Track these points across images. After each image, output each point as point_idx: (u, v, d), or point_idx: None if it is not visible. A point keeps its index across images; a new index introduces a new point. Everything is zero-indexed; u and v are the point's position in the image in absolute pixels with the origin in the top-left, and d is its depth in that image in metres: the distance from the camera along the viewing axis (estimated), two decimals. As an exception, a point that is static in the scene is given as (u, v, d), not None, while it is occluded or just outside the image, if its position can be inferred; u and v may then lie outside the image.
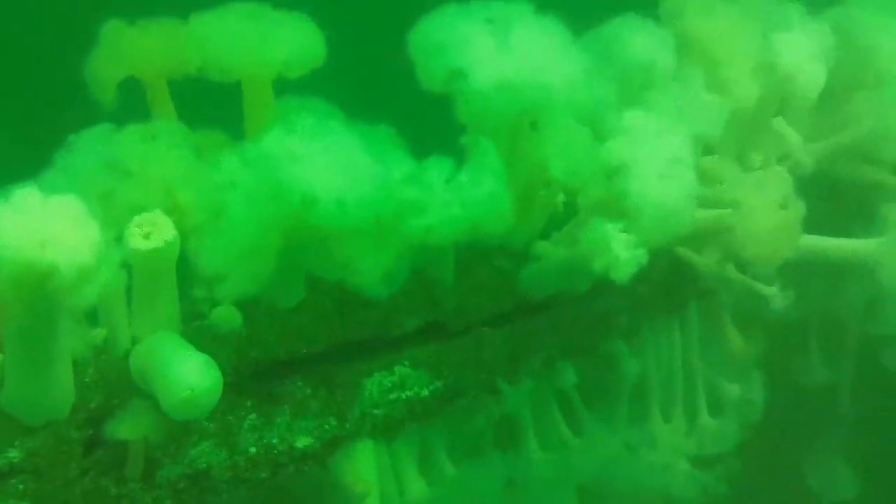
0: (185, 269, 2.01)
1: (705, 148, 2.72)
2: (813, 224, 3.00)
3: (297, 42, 2.21)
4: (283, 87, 2.34)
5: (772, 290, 2.77)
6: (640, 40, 2.49)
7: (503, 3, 2.19)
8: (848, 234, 2.97)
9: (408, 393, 2.14)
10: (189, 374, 1.78)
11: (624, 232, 2.11)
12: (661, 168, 2.16)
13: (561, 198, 2.46)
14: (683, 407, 2.81)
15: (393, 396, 2.13)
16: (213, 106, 2.29)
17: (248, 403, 2.01)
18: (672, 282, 2.62)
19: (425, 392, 2.17)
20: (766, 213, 2.36)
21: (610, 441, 2.65)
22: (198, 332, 2.02)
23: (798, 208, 2.40)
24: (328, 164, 1.90)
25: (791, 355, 3.36)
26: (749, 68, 2.65)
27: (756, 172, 2.57)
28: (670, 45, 2.53)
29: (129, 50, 2.31)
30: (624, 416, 2.69)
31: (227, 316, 2.05)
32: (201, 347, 1.94)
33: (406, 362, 2.16)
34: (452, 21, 2.14)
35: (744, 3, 2.78)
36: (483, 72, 2.07)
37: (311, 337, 2.10)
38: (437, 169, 2.06)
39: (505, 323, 2.32)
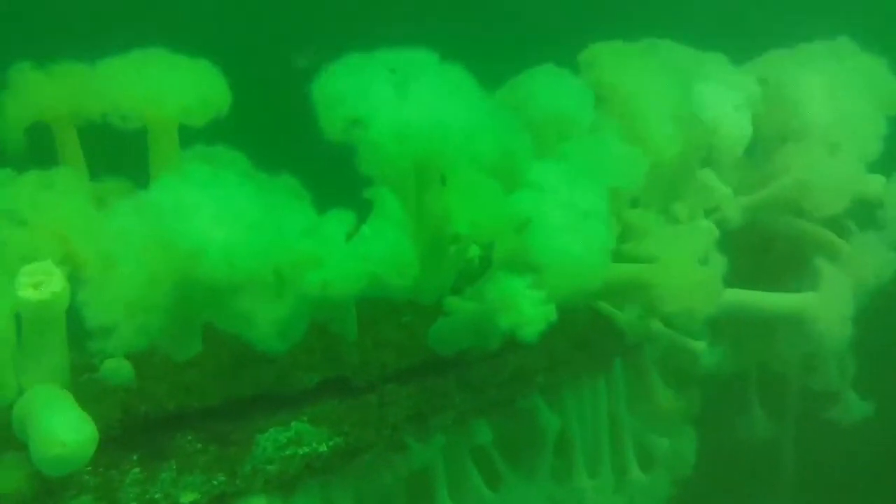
0: (80, 320, 2.01)
1: (632, 201, 2.76)
2: (745, 275, 3.04)
3: (198, 89, 2.22)
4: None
5: (700, 345, 2.77)
6: (555, 91, 2.51)
7: (407, 53, 2.19)
8: (781, 285, 2.99)
9: (305, 449, 2.10)
10: (61, 430, 1.75)
11: (532, 288, 2.08)
12: (569, 222, 2.14)
13: (476, 251, 2.47)
14: (611, 462, 2.78)
15: (288, 452, 2.09)
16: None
17: (134, 457, 1.97)
18: (594, 337, 2.60)
19: (324, 448, 2.12)
20: (684, 268, 2.35)
21: (532, 497, 2.61)
22: (87, 384, 1.99)
23: (719, 263, 2.41)
24: (218, 216, 1.88)
25: (732, 410, 3.36)
26: (669, 120, 2.65)
27: (676, 227, 2.58)
28: (588, 96, 2.54)
29: (36, 94, 2.31)
30: (546, 471, 2.65)
31: (117, 369, 2.02)
32: (89, 400, 1.92)
33: (304, 418, 2.12)
34: (354, 70, 2.15)
35: (664, 54, 2.82)
36: (380, 121, 2.07)
37: (204, 391, 2.07)
38: (337, 221, 2.03)
39: (412, 379, 2.28)
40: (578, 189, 2.23)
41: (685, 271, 2.34)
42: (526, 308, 2.05)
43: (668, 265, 2.35)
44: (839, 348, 2.89)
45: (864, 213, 3.13)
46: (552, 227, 2.13)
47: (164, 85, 2.17)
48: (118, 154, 2.39)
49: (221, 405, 2.09)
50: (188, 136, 2.35)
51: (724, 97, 2.77)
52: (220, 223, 1.88)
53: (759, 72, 3.06)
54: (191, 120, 2.21)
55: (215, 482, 2.01)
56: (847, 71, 3.07)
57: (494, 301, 2.08)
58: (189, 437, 2.03)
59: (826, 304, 2.71)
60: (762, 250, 3.14)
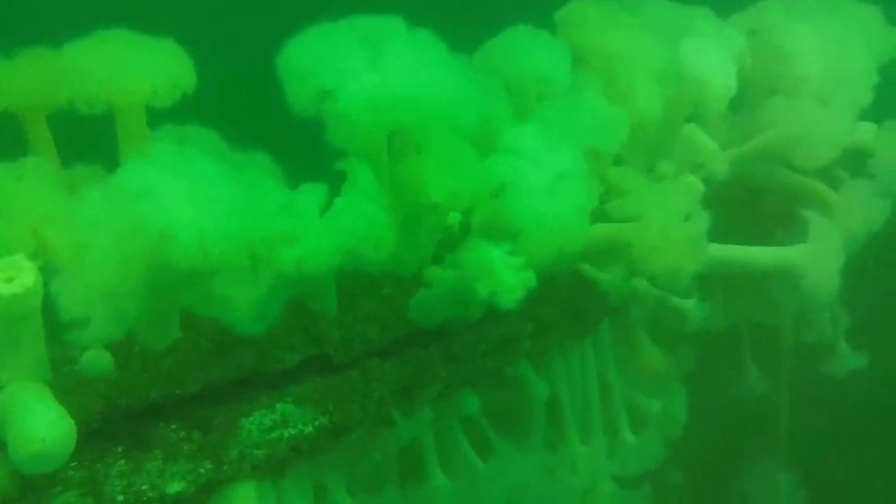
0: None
1: (615, 159, 2.74)
2: (737, 229, 3.05)
3: (164, 70, 2.18)
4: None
5: (688, 303, 2.77)
6: (533, 52, 2.48)
7: (376, 21, 2.16)
8: (774, 237, 2.99)
9: (291, 431, 2.10)
10: (39, 427, 1.76)
11: (510, 254, 2.08)
12: (546, 184, 2.13)
13: (456, 217, 2.45)
14: (603, 427, 2.79)
15: (274, 435, 2.08)
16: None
17: (119, 449, 1.96)
18: (579, 300, 2.60)
19: (310, 429, 2.12)
20: (666, 227, 2.33)
21: (524, 465, 2.62)
22: (67, 377, 1.98)
23: (702, 220, 2.38)
24: (187, 198, 1.85)
25: (726, 366, 3.37)
26: (652, 77, 2.63)
27: (658, 185, 2.56)
28: (565, 56, 2.51)
29: (2, 83, 2.26)
30: (539, 439, 2.67)
31: (96, 360, 2.01)
32: (70, 393, 1.93)
33: (289, 399, 2.12)
34: (321, 40, 2.11)
35: (646, 9, 2.79)
36: (351, 92, 2.04)
37: (185, 379, 2.06)
38: (309, 196, 2.01)
39: (395, 353, 2.28)
40: (555, 151, 2.22)
41: (667, 230, 2.33)
42: (504, 275, 2.04)
43: (649, 224, 2.35)
44: (830, 300, 2.87)
45: (856, 162, 3.13)
46: (529, 191, 2.13)
47: (129, 68, 2.14)
48: (90, 138, 2.37)
49: (204, 391, 2.08)
50: (158, 116, 2.35)
51: (709, 53, 2.73)
52: (189, 204, 1.85)
53: (749, 22, 3.05)
54: (157, 101, 2.18)
55: (202, 470, 2.00)
56: (839, 19, 3.03)
57: (471, 269, 2.08)
58: (173, 426, 2.03)
59: (815, 257, 2.70)
60: (753, 203, 3.14)
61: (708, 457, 3.46)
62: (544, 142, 2.21)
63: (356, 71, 2.07)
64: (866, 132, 3.06)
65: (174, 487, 1.98)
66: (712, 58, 2.74)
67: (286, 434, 2.11)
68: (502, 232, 2.12)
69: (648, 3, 2.83)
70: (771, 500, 3.57)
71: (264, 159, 2.23)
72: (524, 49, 2.51)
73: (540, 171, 2.14)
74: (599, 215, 2.51)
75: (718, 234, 2.88)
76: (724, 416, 3.46)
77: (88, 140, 2.36)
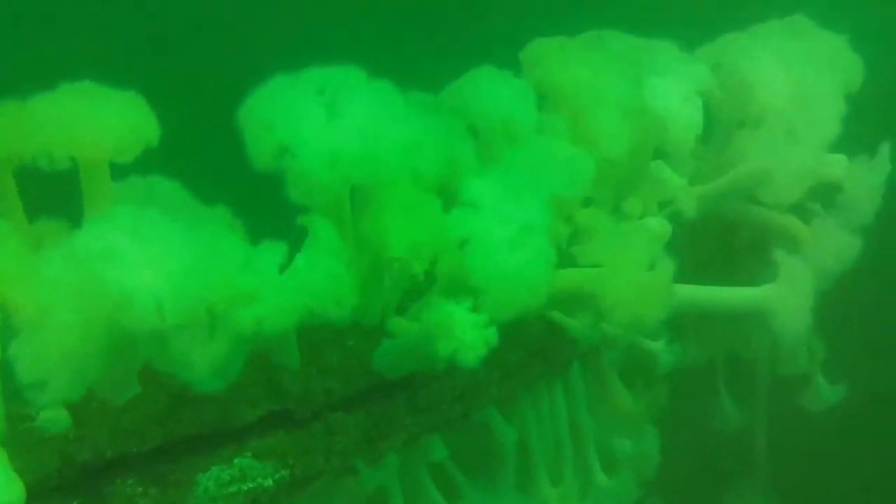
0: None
1: (584, 200, 2.80)
2: (711, 265, 3.12)
3: (128, 125, 2.22)
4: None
5: (657, 345, 2.84)
6: (496, 93, 2.56)
7: (335, 72, 2.24)
8: (748, 272, 3.05)
9: (249, 485, 2.17)
10: (-13, 494, 1.84)
11: (471, 311, 2.15)
12: (509, 238, 2.19)
13: (422, 265, 2.51)
14: (574, 468, 2.86)
15: (232, 489, 2.15)
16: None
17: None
18: (548, 345, 2.66)
19: (269, 482, 2.19)
20: (631, 275, 2.40)
21: (493, 510, 2.70)
22: (24, 435, 2.03)
23: (667, 268, 2.45)
24: (145, 261, 1.92)
25: (701, 401, 3.43)
26: (617, 115, 2.70)
27: (624, 230, 2.62)
28: (530, 96, 2.60)
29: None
30: (508, 483, 2.73)
31: (54, 418, 2.07)
32: (27, 451, 1.99)
33: (248, 453, 2.19)
34: (280, 94, 2.19)
35: (611, 46, 2.85)
36: (310, 148, 2.12)
37: (144, 434, 2.12)
38: (269, 254, 2.08)
39: (360, 405, 2.35)
40: (518, 203, 2.28)
41: (632, 280, 2.39)
42: (465, 333, 2.12)
43: (614, 273, 2.40)
44: (801, 339, 2.93)
45: (829, 195, 3.19)
46: (490, 247, 2.19)
47: (91, 123, 2.18)
48: (59, 190, 2.42)
49: (163, 446, 2.14)
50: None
51: (673, 89, 2.80)
52: (146, 268, 1.93)
53: (713, 56, 3.10)
54: (121, 157, 2.23)
55: (157, 525, 2.09)
56: (804, 50, 3.10)
57: (432, 327, 2.15)
58: (129, 481, 2.09)
59: (784, 297, 2.77)
60: (726, 238, 3.21)
61: (686, 489, 3.53)
62: (506, 193, 2.27)
63: (314, 126, 2.15)
64: (836, 165, 3.12)
65: (130, 543, 2.06)
66: (677, 94, 2.81)
67: (244, 488, 2.18)
68: (464, 287, 2.19)
69: (613, 39, 2.91)
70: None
71: (226, 213, 2.32)
72: (488, 90, 2.59)
73: (501, 224, 2.20)
74: (567, 259, 2.60)
75: (691, 270, 2.98)
76: (702, 447, 3.54)
77: (58, 192, 2.42)
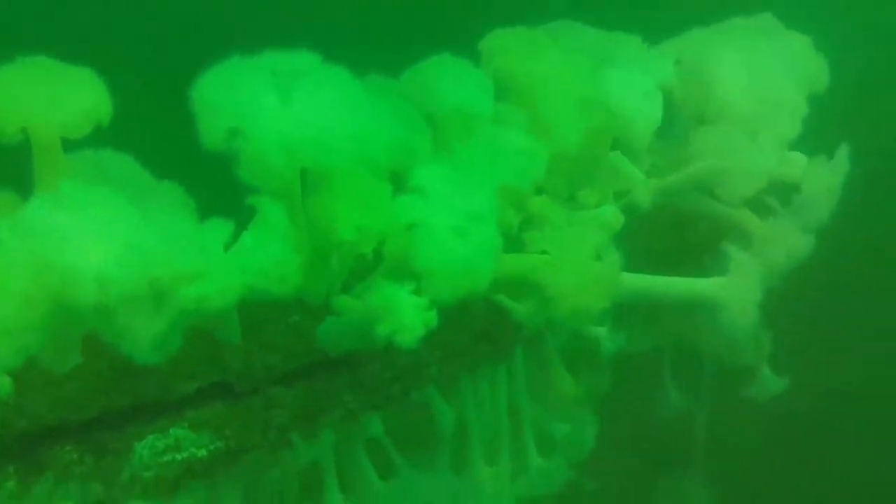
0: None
1: (538, 188, 2.87)
2: (664, 256, 3.20)
3: (80, 100, 2.29)
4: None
5: (601, 332, 2.93)
6: (453, 82, 2.63)
7: (289, 56, 2.30)
8: (703, 265, 3.14)
9: (183, 454, 2.28)
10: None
11: (414, 293, 2.24)
12: (455, 226, 2.28)
13: (370, 247, 2.59)
14: (511, 450, 2.97)
15: (166, 458, 2.26)
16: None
17: (11, 469, 2.14)
18: (492, 328, 2.77)
19: (203, 452, 2.30)
20: (576, 266, 2.49)
21: (427, 487, 2.80)
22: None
23: (613, 259, 2.53)
24: (90, 238, 2.01)
25: (648, 388, 3.54)
26: (574, 107, 2.77)
27: (576, 218, 2.70)
28: (487, 86, 2.67)
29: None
30: (444, 462, 2.84)
31: (-6, 385, 2.18)
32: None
33: (185, 424, 2.29)
34: (234, 76, 2.25)
35: (572, 38, 2.91)
36: (261, 132, 2.19)
37: (84, 403, 2.21)
38: (215, 232, 2.18)
39: (300, 380, 2.45)
40: (466, 191, 2.36)
41: (576, 270, 2.49)
42: (405, 315, 2.21)
43: (559, 264, 2.50)
44: (748, 332, 3.03)
45: (787, 193, 3.27)
46: (435, 233, 2.28)
47: (43, 99, 2.24)
48: (7, 163, 2.47)
49: (102, 416, 2.24)
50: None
51: (633, 82, 2.88)
52: (91, 244, 2.02)
53: (678, 51, 3.18)
54: (73, 132, 2.29)
55: (91, 491, 2.19)
56: (768, 49, 3.16)
57: (374, 308, 2.25)
58: (67, 449, 2.20)
59: (732, 291, 2.87)
60: (681, 231, 3.29)
61: (626, 476, 3.66)
62: (455, 181, 2.36)
63: (266, 111, 2.22)
64: (795, 165, 3.20)
65: (63, 508, 2.16)
66: (637, 88, 2.89)
67: (178, 457, 2.29)
68: (408, 271, 2.28)
69: (575, 31, 2.98)
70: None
71: (176, 190, 2.38)
72: (445, 78, 2.66)
73: (448, 212, 2.29)
74: (518, 244, 2.68)
75: (644, 260, 3.07)
76: (644, 434, 3.65)
77: (10, 165, 2.48)
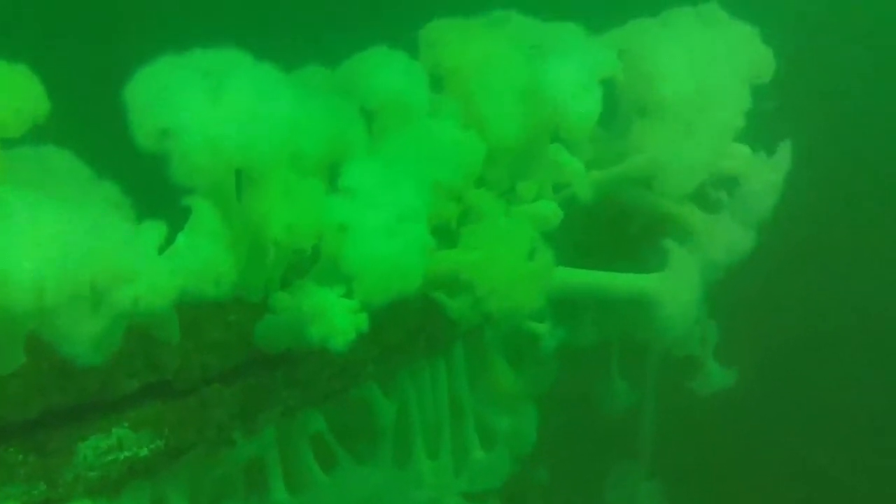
0: None
1: (477, 180, 3.03)
2: (603, 249, 3.38)
3: (15, 100, 2.40)
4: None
5: (541, 328, 3.10)
6: (388, 74, 2.79)
7: (220, 54, 2.44)
8: (643, 259, 3.31)
9: (126, 454, 2.45)
10: None
11: (344, 296, 2.40)
12: (384, 225, 2.43)
13: (307, 244, 2.74)
14: (452, 444, 3.16)
15: (109, 458, 2.43)
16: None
17: (-46, 472, 2.31)
18: (429, 324, 2.95)
19: (144, 451, 2.47)
20: (507, 265, 2.65)
21: (370, 481, 2.99)
22: None
23: (546, 257, 2.70)
24: (25, 241, 2.13)
25: (595, 380, 3.72)
26: (510, 100, 2.94)
27: (514, 212, 2.86)
28: (422, 78, 2.84)
29: None
30: (386, 456, 3.04)
31: (-66, 384, 2.33)
32: None
33: (126, 423, 2.46)
34: (164, 76, 2.37)
35: (513, 28, 3.06)
36: (191, 130, 2.32)
37: (27, 403, 2.36)
38: (148, 233, 2.31)
39: (238, 379, 2.63)
40: (396, 190, 2.52)
41: (507, 268, 2.65)
42: (336, 319, 2.38)
43: (489, 262, 2.66)
44: (686, 327, 3.20)
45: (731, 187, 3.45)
46: (363, 235, 2.43)
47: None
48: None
49: (45, 416, 2.39)
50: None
51: (572, 74, 3.02)
52: (26, 248, 2.14)
53: (621, 42, 3.33)
54: (7, 132, 2.41)
55: (35, 491, 2.34)
56: (712, 40, 3.32)
57: (305, 311, 2.41)
58: (11, 449, 2.34)
59: (670, 287, 3.04)
60: (622, 224, 3.47)
61: (572, 466, 3.85)
62: (385, 179, 2.51)
63: (196, 111, 2.34)
64: (738, 158, 3.37)
65: (6, 507, 2.33)
66: (575, 80, 3.02)
67: (121, 457, 2.46)
68: (340, 272, 2.44)
69: (517, 21, 3.13)
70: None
71: (113, 190, 2.52)
72: (378, 71, 2.82)
73: (376, 212, 2.45)
74: (454, 238, 2.85)
75: (584, 253, 3.25)
76: (592, 426, 3.84)
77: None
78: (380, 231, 2.43)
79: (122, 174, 2.58)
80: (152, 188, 2.49)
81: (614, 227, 3.48)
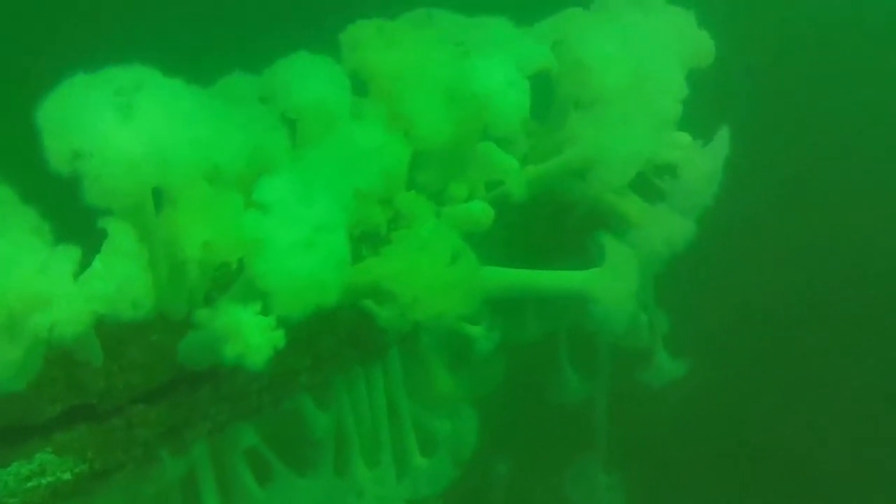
0: None
1: (407, 183, 3.18)
2: (539, 245, 3.53)
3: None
4: None
5: (476, 330, 3.25)
6: (308, 79, 2.94)
7: (130, 71, 2.52)
8: (577, 253, 3.45)
9: (49, 479, 2.62)
10: None
11: (260, 313, 2.53)
12: (299, 240, 2.54)
13: (230, 258, 2.89)
14: (391, 451, 3.33)
15: (32, 484, 2.60)
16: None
17: None
18: (361, 332, 3.11)
19: (68, 476, 2.64)
20: (427, 274, 2.82)
21: (308, 492, 3.16)
22: None
23: (469, 261, 2.84)
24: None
25: (546, 374, 3.88)
26: (436, 100, 3.08)
27: (428, 224, 2.99)
28: (343, 83, 2.99)
29: None
30: (325, 466, 3.21)
31: None
32: None
33: (49, 448, 2.63)
34: (75, 96, 2.47)
35: (438, 25, 3.19)
36: (102, 151, 2.42)
37: (-52, 431, 2.54)
38: (62, 259, 2.46)
39: (163, 397, 2.79)
40: (312, 202, 2.60)
41: (429, 276, 2.82)
42: (251, 337, 2.51)
43: (411, 271, 2.82)
44: (625, 322, 3.35)
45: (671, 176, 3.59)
46: (277, 251, 2.53)
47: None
48: None
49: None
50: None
51: (498, 70, 3.15)
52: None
53: (554, 31, 3.45)
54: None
55: (-42, 520, 2.51)
56: (648, 26, 3.45)
57: (220, 330, 2.55)
58: (-65, 478, 2.52)
59: (607, 282, 3.18)
60: (560, 218, 3.61)
61: (527, 461, 4.03)
62: (300, 192, 2.59)
63: (106, 130, 2.43)
64: (678, 146, 3.50)
65: (-73, 537, 2.49)
66: (501, 76, 3.14)
67: (43, 482, 2.62)
68: (256, 288, 2.58)
69: (441, 18, 3.26)
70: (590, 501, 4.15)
71: (31, 214, 2.65)
72: (298, 76, 2.96)
73: (291, 227, 2.54)
74: (384, 244, 3.00)
75: (521, 250, 3.40)
76: (543, 420, 4.01)
77: None
78: (294, 245, 2.53)
79: (42, 197, 2.72)
80: (73, 211, 2.66)
81: (554, 221, 3.62)
